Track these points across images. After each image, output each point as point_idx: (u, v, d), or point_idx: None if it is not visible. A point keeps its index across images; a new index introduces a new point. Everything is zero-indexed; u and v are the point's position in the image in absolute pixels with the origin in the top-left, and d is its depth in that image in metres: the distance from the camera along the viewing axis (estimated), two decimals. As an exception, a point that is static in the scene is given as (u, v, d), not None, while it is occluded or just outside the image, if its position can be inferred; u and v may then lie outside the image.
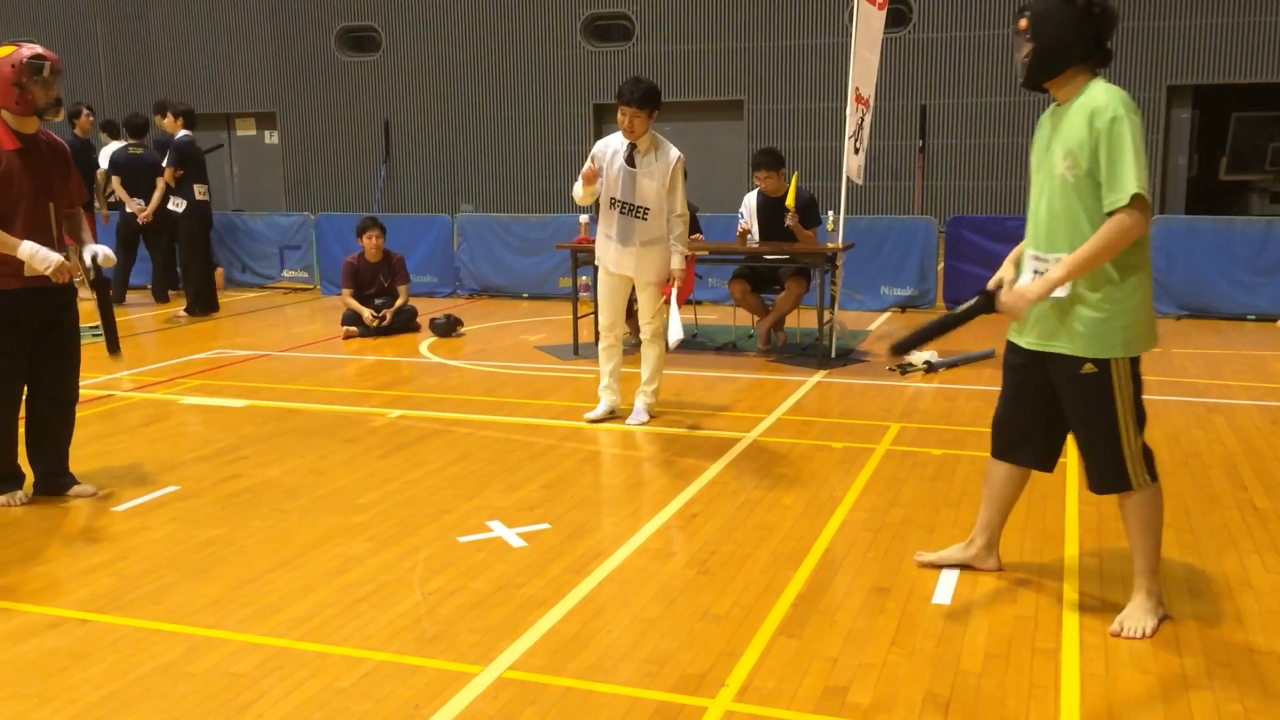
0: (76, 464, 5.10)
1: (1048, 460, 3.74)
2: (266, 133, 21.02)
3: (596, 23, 18.80)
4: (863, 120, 8.12)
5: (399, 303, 9.39)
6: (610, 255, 6.12)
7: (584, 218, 9.06)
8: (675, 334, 6.06)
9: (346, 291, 9.38)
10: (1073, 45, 3.36)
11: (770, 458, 5.47)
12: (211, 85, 20.62)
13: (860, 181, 8.41)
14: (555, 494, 4.95)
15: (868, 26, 7.98)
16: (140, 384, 7.29)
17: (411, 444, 5.81)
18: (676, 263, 6.06)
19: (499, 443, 5.84)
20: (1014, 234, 10.91)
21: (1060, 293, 3.36)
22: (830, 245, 8.02)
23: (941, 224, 10.78)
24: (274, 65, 20.29)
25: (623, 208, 6.00)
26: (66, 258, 4.67)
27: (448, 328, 9.18)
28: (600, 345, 6.37)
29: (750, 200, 8.38)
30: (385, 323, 9.20)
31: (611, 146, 6.05)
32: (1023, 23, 3.42)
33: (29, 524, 4.61)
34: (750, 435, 5.88)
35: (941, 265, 10.46)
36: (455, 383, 7.40)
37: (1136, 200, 3.19)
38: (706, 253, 8.42)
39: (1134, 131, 3.23)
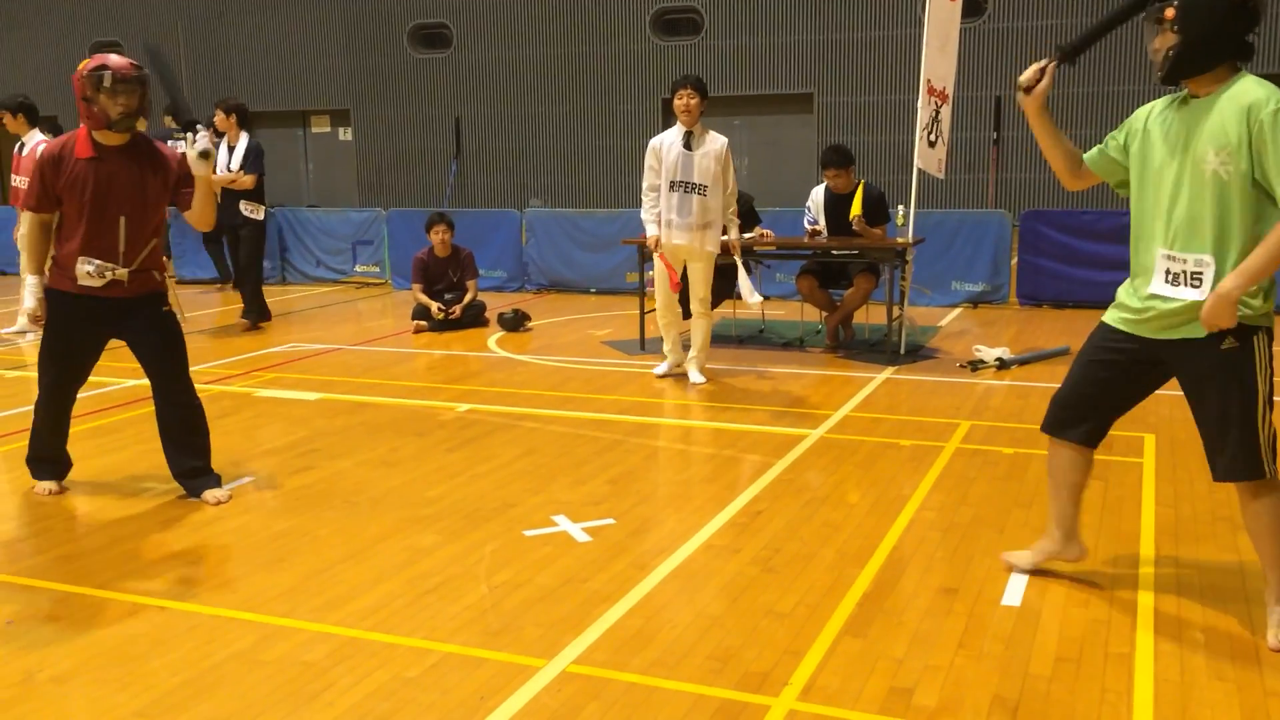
0: (150, 456, 5.23)
1: (1097, 438, 3.70)
2: (340, 129, 21.38)
3: (665, 17, 18.78)
4: (938, 113, 8.00)
5: (468, 298, 9.48)
6: (676, 233, 6.85)
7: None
8: (754, 295, 7.06)
9: (416, 286, 9.51)
10: (1225, 40, 3.21)
11: (837, 455, 5.43)
12: (287, 84, 21.02)
13: (941, 175, 8.30)
14: (621, 489, 4.96)
15: (941, 18, 7.85)
16: (217, 377, 7.46)
17: (479, 438, 5.87)
18: (733, 234, 7.01)
19: (565, 437, 5.87)
20: (1091, 228, 10.74)
21: (1198, 295, 3.25)
22: (900, 240, 7.92)
23: (1016, 218, 10.59)
24: (347, 63, 20.62)
25: (685, 187, 6.79)
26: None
27: (515, 322, 9.25)
28: (661, 322, 7.19)
29: (818, 195, 8.31)
30: (454, 317, 9.30)
31: (666, 140, 6.89)
32: (1169, 12, 3.23)
33: (110, 513, 4.75)
34: (817, 432, 5.84)
35: (1015, 260, 10.27)
36: (522, 377, 7.45)
37: None
38: (773, 247, 8.38)
39: None
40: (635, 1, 18.76)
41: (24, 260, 4.70)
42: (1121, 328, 3.53)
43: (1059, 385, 3.76)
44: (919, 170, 7.92)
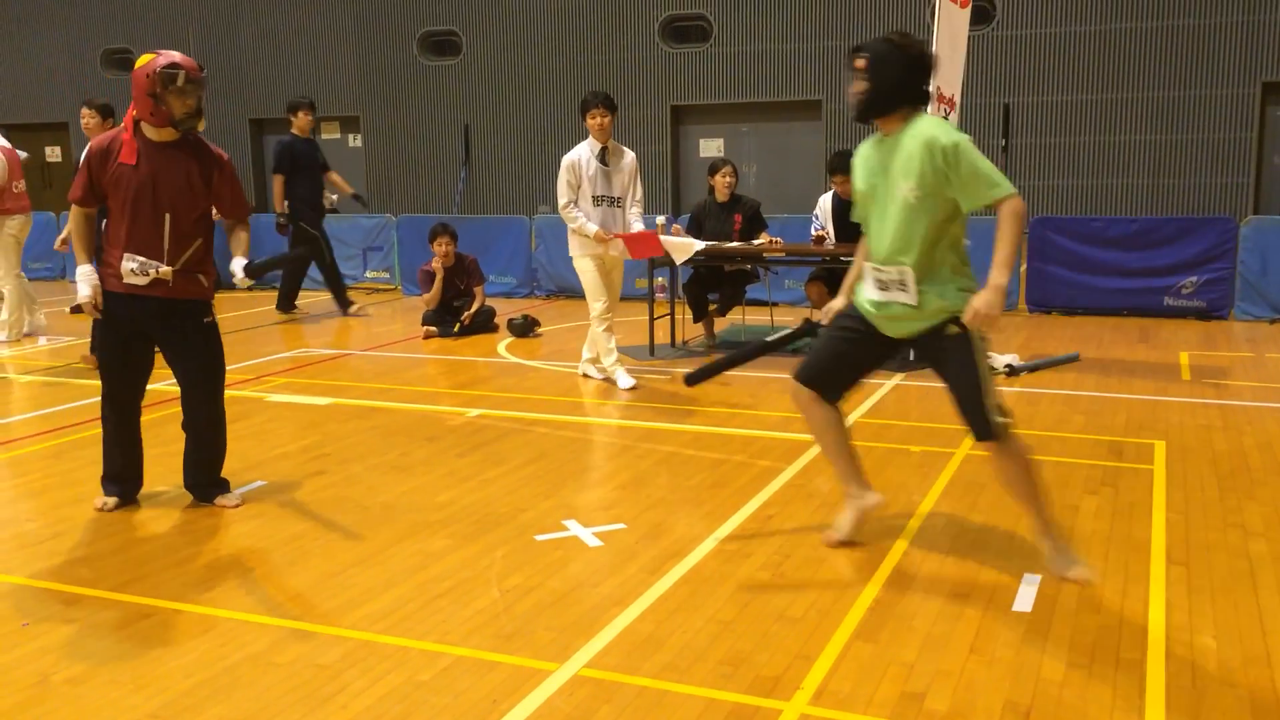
0: (168, 459, 5.27)
1: (842, 397, 4.21)
2: (350, 136, 21.44)
3: (674, 24, 18.82)
4: (947, 120, 8.00)
5: (476, 304, 9.52)
6: (599, 243, 7.03)
7: (661, 219, 9.09)
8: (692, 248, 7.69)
9: (425, 297, 9.57)
10: (906, 88, 3.84)
11: (847, 461, 5.42)
12: (298, 90, 21.08)
13: None
14: (631, 494, 4.97)
15: (950, 25, 7.87)
16: (229, 382, 7.48)
17: (490, 443, 5.89)
18: (638, 226, 7.22)
19: (576, 443, 5.89)
20: (1100, 235, 10.78)
21: (910, 299, 3.83)
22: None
23: (1025, 225, 10.58)
24: (357, 70, 20.70)
25: (607, 201, 7.10)
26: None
27: (525, 328, 9.28)
28: (602, 328, 7.20)
29: (825, 203, 8.33)
30: (464, 324, 9.33)
31: (582, 156, 7.08)
32: (860, 62, 3.86)
33: (124, 516, 4.77)
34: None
35: (1025, 267, 10.27)
36: (533, 383, 7.47)
37: (1009, 195, 3.68)
38: (783, 254, 8.40)
39: (972, 145, 3.74)
40: (644, 9, 18.80)
41: (76, 252, 4.68)
42: (873, 322, 4.03)
43: (814, 345, 4.22)
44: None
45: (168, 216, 4.54)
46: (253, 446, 5.86)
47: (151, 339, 4.76)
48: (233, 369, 7.94)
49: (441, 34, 20.20)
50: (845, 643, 3.44)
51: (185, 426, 4.88)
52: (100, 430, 4.88)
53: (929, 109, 4.00)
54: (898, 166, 3.82)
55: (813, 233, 8.35)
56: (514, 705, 3.07)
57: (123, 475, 4.88)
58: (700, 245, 7.76)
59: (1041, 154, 17.29)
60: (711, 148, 18.56)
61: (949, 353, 3.86)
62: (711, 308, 8.74)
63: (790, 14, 18.08)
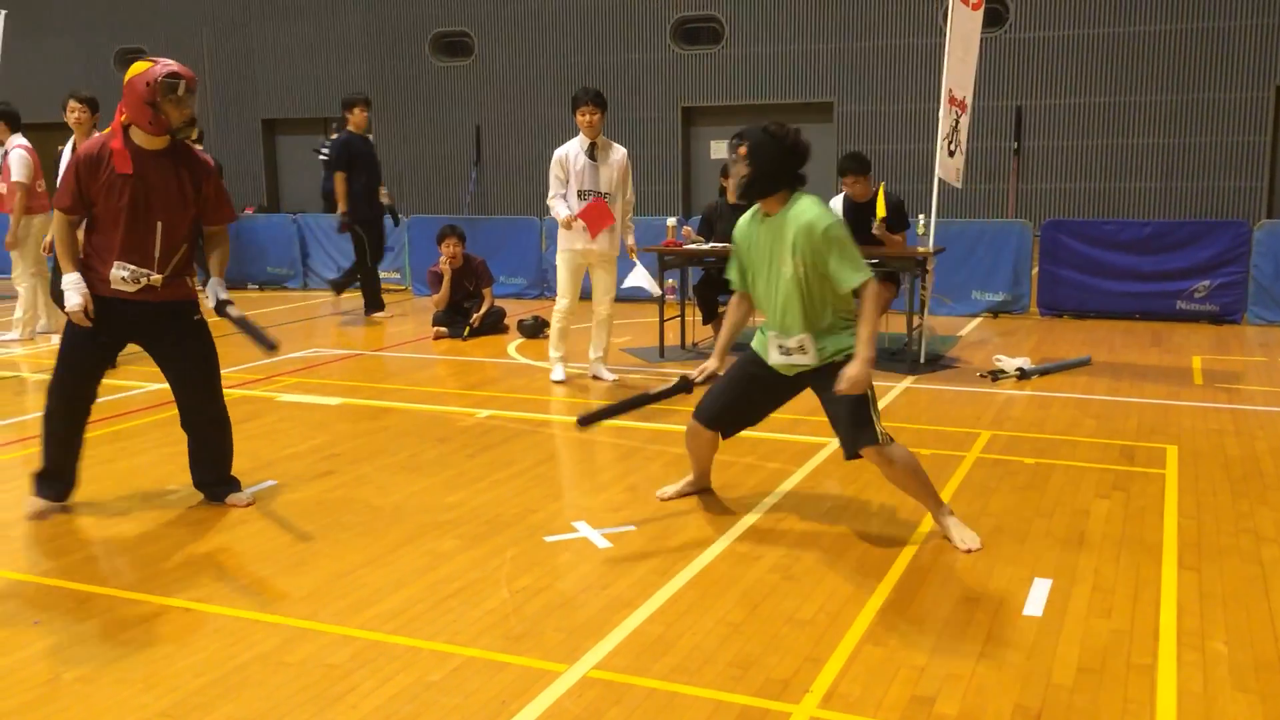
0: (179, 458, 5.27)
1: (735, 432, 4.77)
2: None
3: (686, 26, 18.82)
4: (958, 122, 8.00)
5: (485, 306, 9.53)
6: (583, 238, 7.16)
7: (671, 220, 9.09)
8: (652, 286, 7.80)
9: (434, 298, 9.59)
10: (782, 172, 4.25)
11: (856, 463, 5.40)
12: (310, 91, 21.16)
13: (959, 184, 8.30)
14: (640, 496, 4.97)
15: (962, 27, 7.86)
16: (240, 381, 7.52)
17: (499, 444, 5.90)
18: (630, 239, 7.46)
19: (585, 444, 5.89)
20: (1112, 238, 10.77)
21: (812, 360, 4.33)
22: (920, 249, 7.92)
23: (1037, 228, 10.56)
24: (370, 70, 20.74)
25: (594, 196, 7.15)
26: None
27: (535, 329, 9.29)
28: (559, 325, 7.35)
29: (836, 205, 8.31)
30: (474, 325, 9.34)
31: (571, 151, 7.20)
32: (742, 150, 4.26)
33: (136, 516, 4.79)
34: (837, 440, 5.82)
35: (1036, 270, 10.25)
36: (542, 384, 7.48)
37: (869, 279, 4.16)
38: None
39: (843, 228, 4.19)
40: (656, 11, 18.81)
41: (60, 261, 4.63)
42: (773, 365, 4.47)
43: (716, 390, 4.66)
44: (942, 179, 7.91)
45: (159, 225, 4.51)
46: (263, 446, 5.88)
47: (126, 340, 4.73)
48: (244, 369, 7.97)
49: (453, 35, 20.24)
50: (855, 646, 3.43)
51: (186, 426, 4.86)
52: (40, 428, 4.78)
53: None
54: (782, 246, 4.24)
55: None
56: (523, 706, 3.08)
57: (63, 474, 4.79)
58: (647, 284, 7.87)
59: (1054, 157, 17.24)
60: (722, 149, 18.52)
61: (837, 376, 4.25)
62: (721, 310, 8.73)
63: (802, 15, 18.07)
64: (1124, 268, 9.70)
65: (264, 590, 3.95)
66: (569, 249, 7.23)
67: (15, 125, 8.87)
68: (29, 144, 9.03)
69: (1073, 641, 3.45)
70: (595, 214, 7.13)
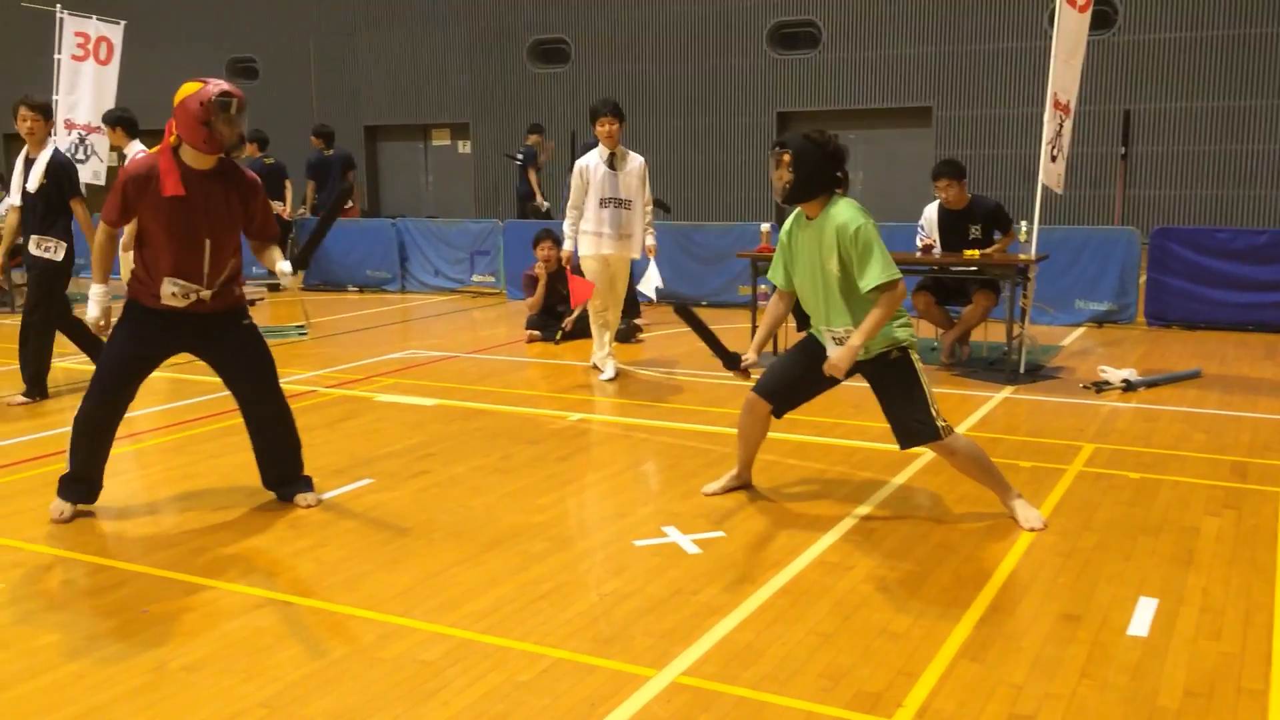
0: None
1: (787, 410, 4.93)
2: (459, 143, 21.85)
3: (783, 30, 18.71)
4: (1061, 127, 7.79)
5: (577, 310, 9.58)
6: (605, 244, 7.54)
7: (765, 226, 9.04)
8: (652, 291, 7.87)
9: (529, 301, 9.68)
10: (823, 177, 4.47)
11: (953, 474, 5.30)
12: (410, 98, 21.60)
13: (1060, 190, 8.10)
14: (731, 502, 4.94)
15: (1069, 29, 7.66)
16: (339, 381, 7.69)
17: (590, 447, 5.92)
18: (650, 240, 7.71)
19: (675, 449, 5.88)
20: (1225, 247, 10.38)
21: (862, 352, 4.51)
22: (1022, 256, 7.73)
23: (1145, 235, 10.23)
24: (469, 78, 21.08)
25: (614, 203, 7.50)
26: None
27: (627, 333, 9.31)
28: (597, 323, 7.80)
29: (930, 212, 8.17)
30: (566, 330, 9.41)
31: (591, 162, 7.52)
32: (786, 157, 4.46)
33: (239, 510, 4.93)
34: (932, 450, 5.72)
35: (1144, 279, 9.93)
36: (634, 388, 7.49)
37: (887, 282, 4.35)
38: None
39: (873, 232, 4.37)
40: (753, 16, 18.74)
41: (93, 270, 4.75)
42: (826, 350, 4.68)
43: (775, 366, 4.90)
44: (1045, 185, 7.72)
45: (208, 242, 4.61)
46: (361, 445, 6.00)
47: (175, 349, 4.81)
48: (343, 369, 8.16)
49: (551, 42, 20.45)
50: (950, 661, 3.35)
51: (262, 427, 4.94)
52: (71, 430, 4.78)
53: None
54: (822, 246, 4.47)
55: (918, 242, 8.20)
56: (612, 709, 3.08)
57: (89, 477, 4.84)
58: (658, 282, 7.90)
59: (1162, 162, 16.70)
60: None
61: (891, 372, 4.56)
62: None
63: (901, 19, 17.82)
64: (1237, 277, 9.33)
65: (360, 586, 4.03)
66: (594, 255, 7.59)
67: (134, 132, 9.21)
68: (148, 150, 9.38)
69: (1179, 664, 3.33)
70: (579, 289, 7.66)
